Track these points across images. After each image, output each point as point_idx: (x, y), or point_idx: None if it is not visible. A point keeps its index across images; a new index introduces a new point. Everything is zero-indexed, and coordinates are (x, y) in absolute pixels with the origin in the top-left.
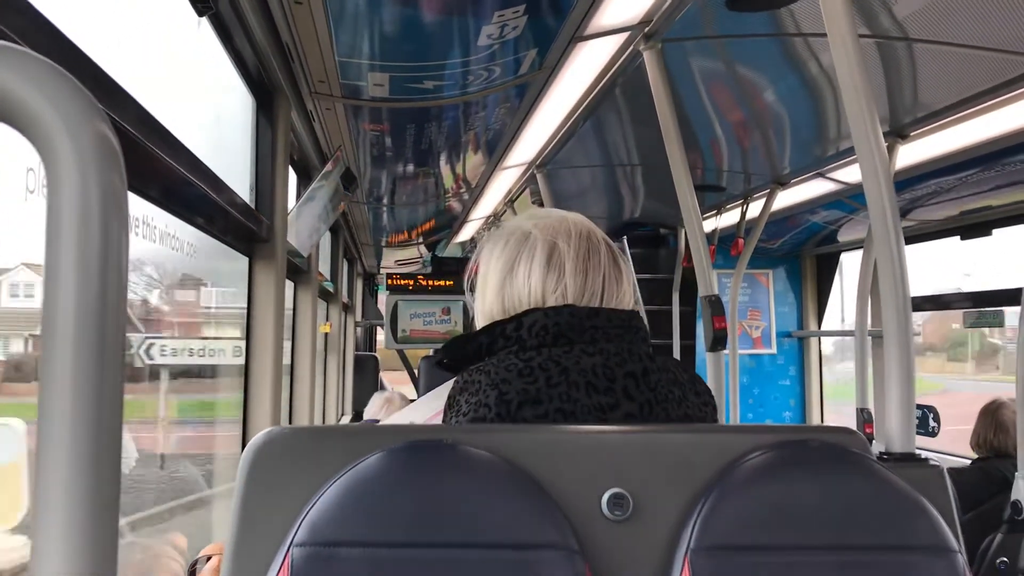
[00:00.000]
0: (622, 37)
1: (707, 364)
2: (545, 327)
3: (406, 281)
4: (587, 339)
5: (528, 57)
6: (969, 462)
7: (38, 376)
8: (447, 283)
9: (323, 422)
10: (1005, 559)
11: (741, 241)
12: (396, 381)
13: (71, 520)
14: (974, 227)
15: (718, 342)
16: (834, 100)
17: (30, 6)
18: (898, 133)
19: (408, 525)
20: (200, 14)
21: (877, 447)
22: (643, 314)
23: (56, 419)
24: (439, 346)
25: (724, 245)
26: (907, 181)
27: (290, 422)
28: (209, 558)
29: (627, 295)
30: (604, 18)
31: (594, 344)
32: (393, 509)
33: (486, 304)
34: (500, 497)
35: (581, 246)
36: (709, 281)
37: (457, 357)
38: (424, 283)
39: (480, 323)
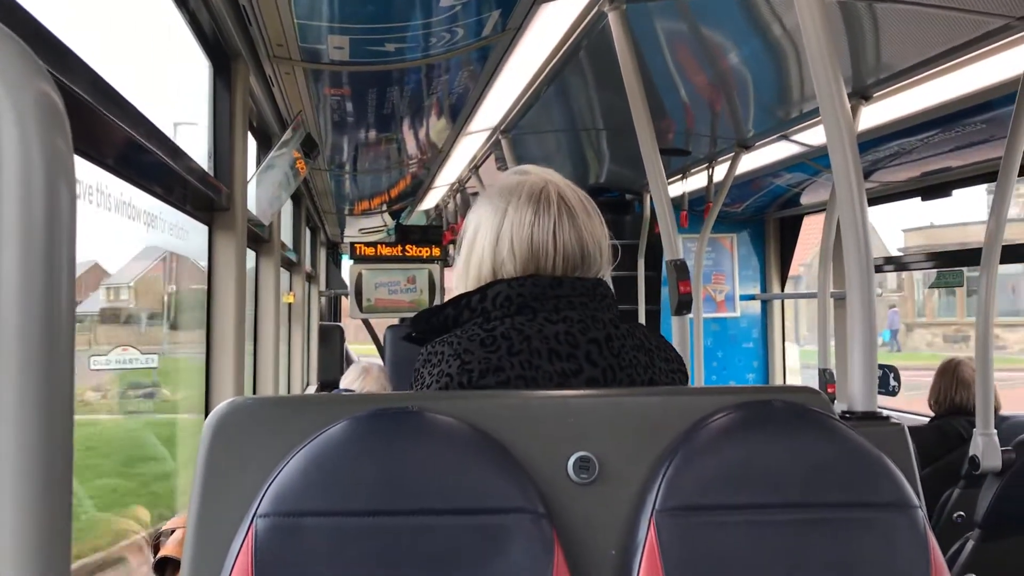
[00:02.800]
0: None
1: (672, 328)
2: (509, 297)
3: (370, 250)
4: (551, 308)
5: (491, 19)
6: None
7: None
8: (412, 251)
9: (288, 393)
10: (962, 513)
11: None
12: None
13: (22, 518)
14: (934, 188)
15: (683, 306)
16: (797, 62)
17: None
18: (861, 94)
19: (373, 493)
20: None
21: (839, 407)
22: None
23: (2, 399)
24: (405, 315)
25: (695, 209)
26: (870, 143)
27: (254, 393)
28: (173, 531)
29: (605, 257)
30: None
31: (557, 312)
32: (358, 478)
33: (471, 267)
34: (466, 463)
35: (562, 218)
36: (675, 246)
37: (425, 330)
38: (389, 252)
39: (461, 286)
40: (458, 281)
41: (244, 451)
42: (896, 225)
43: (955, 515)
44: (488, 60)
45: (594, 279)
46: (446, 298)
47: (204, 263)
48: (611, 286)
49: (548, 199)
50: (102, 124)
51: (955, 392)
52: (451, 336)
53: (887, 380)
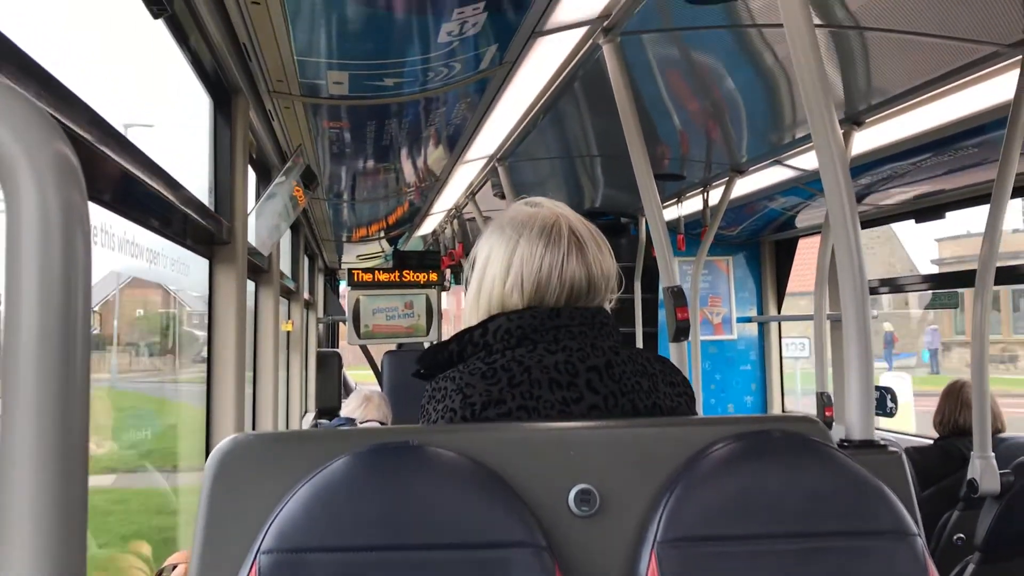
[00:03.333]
0: (581, 31)
1: (670, 353)
2: (509, 330)
3: (368, 276)
4: (550, 338)
5: (488, 53)
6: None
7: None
8: (410, 277)
9: (287, 421)
10: (962, 535)
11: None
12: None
13: (38, 530)
14: (928, 210)
15: (681, 332)
16: (789, 89)
17: None
18: (854, 120)
19: (375, 528)
20: (155, 16)
21: (838, 430)
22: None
23: (20, 442)
24: (403, 341)
25: (691, 233)
26: (863, 166)
27: (254, 425)
28: (175, 567)
29: (612, 288)
30: (563, 13)
31: (557, 342)
32: (360, 513)
33: (481, 298)
34: (467, 497)
35: (571, 252)
36: (671, 272)
37: (431, 365)
38: (386, 278)
39: (472, 316)
40: (469, 312)
41: (247, 487)
42: (929, 235)
43: (955, 537)
44: (485, 92)
45: (595, 308)
46: (443, 322)
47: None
48: (610, 314)
49: (559, 233)
50: (104, 164)
51: (959, 414)
52: (453, 371)
53: (884, 402)
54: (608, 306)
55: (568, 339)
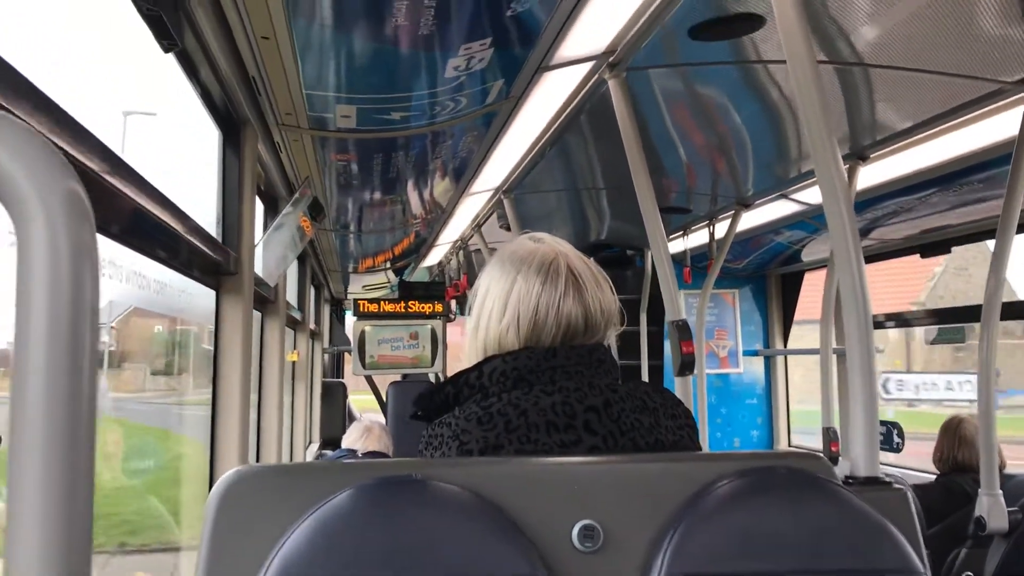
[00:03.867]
0: (587, 66)
1: (675, 387)
2: (504, 372)
3: (373, 306)
4: (546, 379)
5: (495, 87)
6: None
7: (10, 427)
8: (415, 307)
9: (291, 451)
10: (970, 573)
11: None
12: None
13: (44, 523)
14: (934, 245)
15: (686, 367)
16: (794, 124)
17: None
18: (858, 155)
19: (379, 562)
20: (166, 51)
21: (843, 465)
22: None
23: (27, 478)
24: (408, 371)
25: (697, 265)
26: (868, 201)
27: (258, 456)
28: None
29: (611, 326)
30: (569, 48)
31: (553, 383)
32: (363, 547)
33: (479, 335)
34: (471, 532)
35: (568, 291)
36: (676, 305)
37: (428, 408)
38: (392, 308)
39: (472, 355)
40: (469, 350)
41: (250, 520)
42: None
43: (963, 575)
44: (491, 125)
45: (591, 345)
46: (448, 354)
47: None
48: (612, 349)
49: (557, 271)
50: (112, 196)
51: (957, 450)
52: (449, 416)
53: (891, 437)
54: (609, 342)
55: (564, 379)
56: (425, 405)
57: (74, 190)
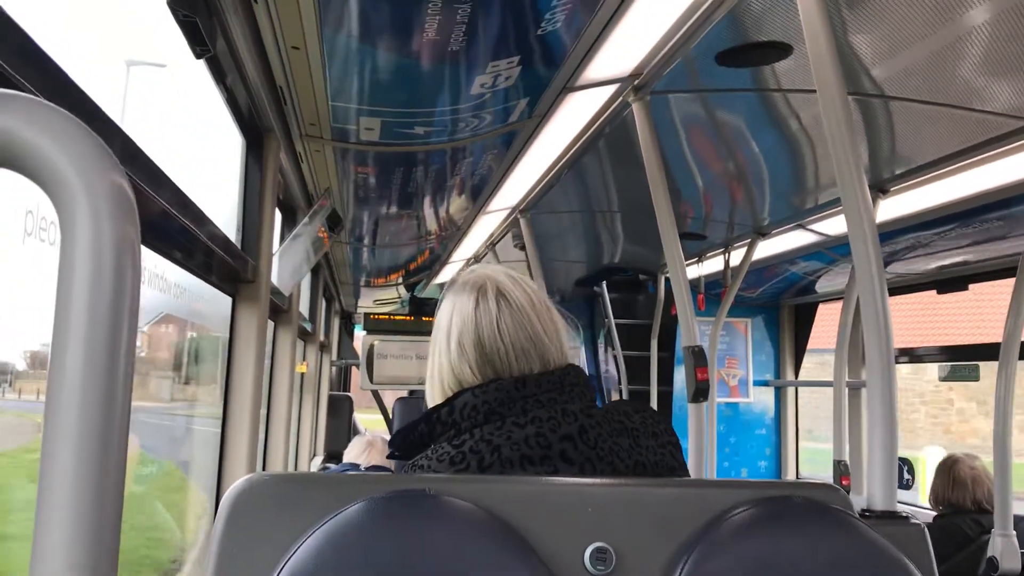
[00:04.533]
0: (612, 88)
1: (688, 414)
2: (475, 407)
3: (384, 321)
4: (518, 410)
5: (519, 106)
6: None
7: (43, 421)
8: (425, 324)
9: (296, 464)
10: None
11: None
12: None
13: (74, 525)
14: (951, 281)
15: (700, 393)
16: (814, 154)
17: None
18: (879, 188)
19: None
20: (198, 56)
21: (855, 500)
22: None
23: (60, 465)
24: (415, 388)
25: (710, 293)
26: (887, 234)
27: (264, 465)
28: None
29: (562, 344)
30: (595, 70)
31: (525, 414)
32: (374, 560)
33: (435, 374)
34: (482, 549)
35: (502, 312)
36: (692, 331)
37: (404, 447)
38: (402, 324)
39: (436, 394)
40: (429, 390)
41: (261, 528)
42: None
43: None
44: (512, 144)
45: (562, 370)
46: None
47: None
48: (582, 370)
49: (484, 292)
50: (138, 195)
51: (951, 492)
52: (422, 458)
53: (901, 474)
54: (572, 356)
55: (537, 408)
56: (400, 443)
57: (119, 184)
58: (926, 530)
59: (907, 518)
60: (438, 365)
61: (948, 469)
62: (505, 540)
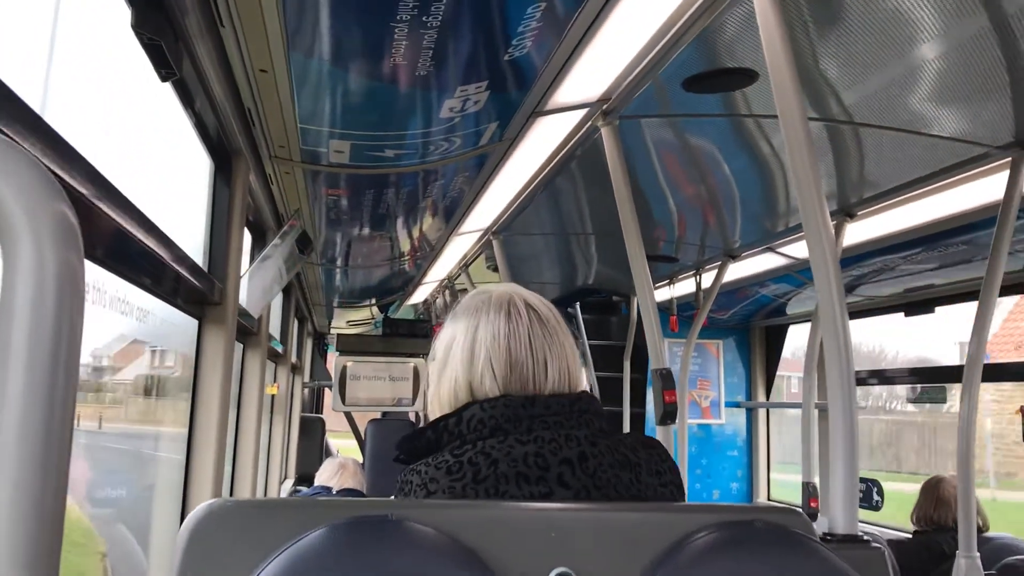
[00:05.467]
0: (581, 113)
1: (657, 435)
2: (482, 420)
3: (357, 342)
4: (523, 428)
5: (489, 130)
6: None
7: None
8: (398, 345)
9: (266, 486)
10: None
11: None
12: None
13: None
14: (918, 304)
15: (668, 416)
16: (783, 178)
17: None
18: (846, 212)
19: None
20: (163, 79)
21: (823, 523)
22: (589, 382)
23: (3, 501)
24: (388, 409)
25: (683, 315)
26: (854, 258)
27: (231, 490)
28: None
29: (578, 368)
30: (564, 95)
31: (530, 432)
32: None
33: (443, 387)
34: (444, 575)
35: (534, 327)
36: (660, 354)
37: (409, 452)
38: (375, 345)
39: (436, 408)
40: (432, 403)
41: (221, 555)
42: None
43: None
44: (484, 167)
45: (574, 395)
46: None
47: None
48: (595, 398)
49: (517, 309)
50: (99, 219)
51: (934, 511)
52: (421, 464)
53: (870, 495)
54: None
55: (542, 429)
56: (407, 449)
57: (63, 212)
58: (887, 553)
59: (868, 541)
60: (451, 377)
61: (933, 488)
62: (467, 566)
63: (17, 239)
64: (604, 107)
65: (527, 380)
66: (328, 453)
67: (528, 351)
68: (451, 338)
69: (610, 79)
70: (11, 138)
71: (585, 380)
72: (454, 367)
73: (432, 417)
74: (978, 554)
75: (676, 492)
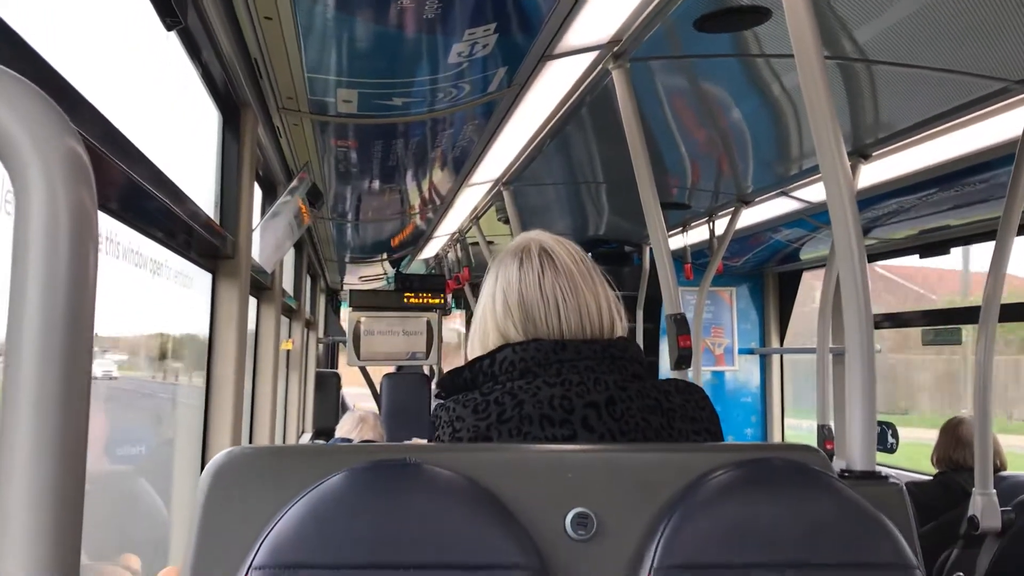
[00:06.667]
0: (591, 56)
1: None
2: (513, 362)
3: (370, 297)
4: (553, 372)
5: (497, 75)
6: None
7: (2, 395)
8: (411, 300)
9: (283, 440)
10: (961, 573)
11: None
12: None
13: (34, 525)
14: (934, 245)
15: (682, 360)
16: (797, 120)
17: None
18: (861, 153)
19: (370, 546)
20: (168, 28)
21: (838, 464)
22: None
23: (20, 438)
24: (402, 363)
25: (696, 262)
26: (869, 200)
27: (250, 441)
28: None
29: (612, 312)
30: (573, 37)
31: (558, 375)
32: (354, 530)
33: (476, 332)
34: (464, 517)
35: (545, 272)
36: (675, 299)
37: (449, 389)
38: (388, 300)
39: (474, 350)
40: (471, 345)
41: (241, 501)
42: None
43: (955, 575)
44: (493, 115)
45: (607, 340)
46: (443, 348)
47: None
48: (633, 343)
49: (528, 253)
50: (112, 172)
51: (954, 451)
52: (450, 401)
53: (885, 437)
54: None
55: (571, 372)
56: (447, 386)
57: (73, 148)
58: (904, 490)
59: (886, 478)
60: (481, 327)
61: (953, 429)
62: (486, 507)
63: (29, 174)
64: (615, 49)
65: (541, 325)
66: (344, 407)
67: (539, 296)
68: (485, 285)
69: (620, 20)
70: (17, 75)
71: (622, 324)
72: (483, 313)
73: (471, 357)
74: (995, 491)
75: (709, 439)
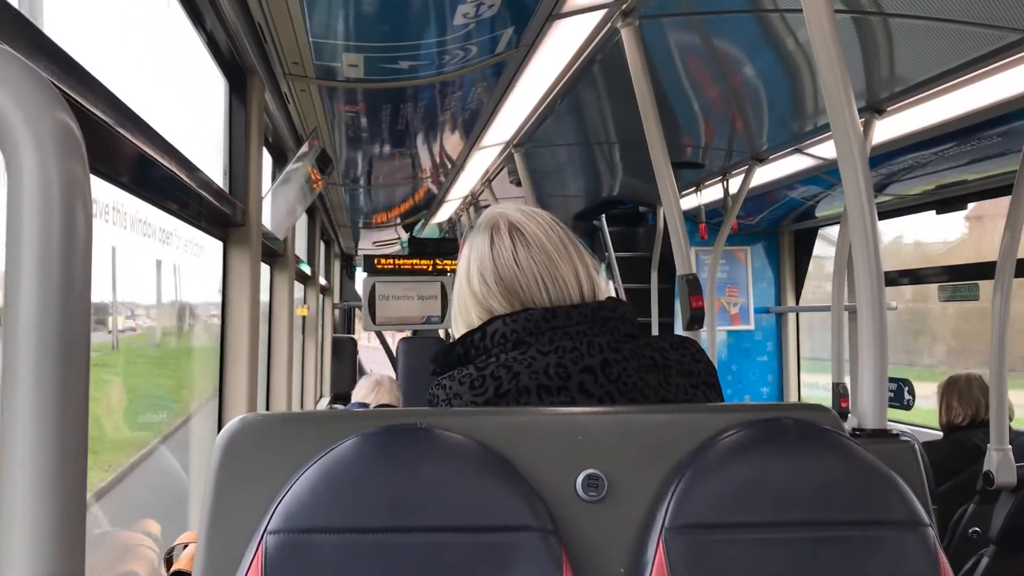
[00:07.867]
0: (599, 14)
1: None
2: (504, 334)
3: (384, 263)
4: (545, 340)
5: (505, 35)
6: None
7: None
8: (425, 264)
9: (301, 406)
10: (977, 528)
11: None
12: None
13: (37, 518)
14: (950, 201)
15: (695, 320)
16: (811, 76)
17: None
18: (875, 108)
19: (383, 510)
20: None
21: (852, 422)
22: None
23: (20, 415)
24: (418, 327)
25: (710, 222)
26: (884, 156)
27: (267, 407)
28: (186, 545)
29: (592, 277)
30: None
31: (551, 343)
32: (367, 494)
33: (458, 309)
34: (475, 480)
35: (518, 247)
36: (686, 260)
37: (444, 364)
38: (402, 264)
39: (458, 327)
40: (453, 324)
41: (255, 467)
42: None
43: (970, 531)
44: (502, 76)
45: (597, 302)
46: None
47: None
48: (623, 303)
49: (498, 228)
50: (118, 143)
51: (960, 404)
52: (445, 378)
53: (901, 394)
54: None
55: (563, 339)
56: (442, 361)
57: (64, 122)
58: (916, 447)
59: (897, 435)
60: (461, 303)
61: (953, 387)
62: (497, 470)
63: (19, 148)
64: (624, 6)
65: (525, 297)
66: (361, 372)
67: (515, 269)
68: (460, 265)
69: None
70: (6, 48)
71: (605, 287)
72: (460, 291)
73: (455, 334)
74: (1010, 447)
75: (709, 392)
